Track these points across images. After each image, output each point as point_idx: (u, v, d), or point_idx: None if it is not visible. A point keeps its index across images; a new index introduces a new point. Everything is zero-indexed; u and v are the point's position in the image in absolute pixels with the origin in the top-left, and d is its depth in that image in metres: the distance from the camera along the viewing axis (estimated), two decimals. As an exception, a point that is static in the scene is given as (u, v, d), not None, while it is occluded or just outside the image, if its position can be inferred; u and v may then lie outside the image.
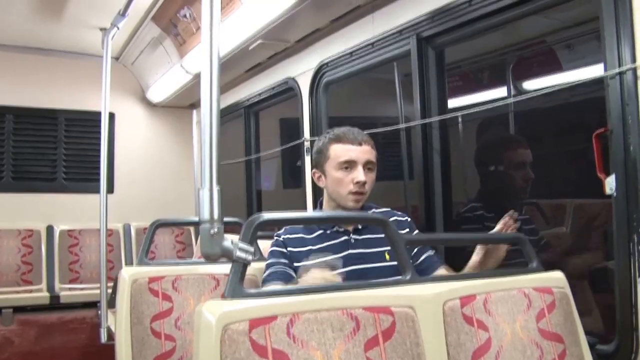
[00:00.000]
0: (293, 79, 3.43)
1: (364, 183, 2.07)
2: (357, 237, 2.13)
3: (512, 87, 3.81)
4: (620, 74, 1.70)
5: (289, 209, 3.71)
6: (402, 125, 2.73)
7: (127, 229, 4.91)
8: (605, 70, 1.75)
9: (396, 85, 3.06)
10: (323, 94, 3.19)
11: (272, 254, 2.16)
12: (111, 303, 3.22)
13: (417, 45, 2.46)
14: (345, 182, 2.09)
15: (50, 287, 4.47)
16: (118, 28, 3.56)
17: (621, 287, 1.72)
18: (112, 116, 4.82)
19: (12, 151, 4.84)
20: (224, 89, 4.34)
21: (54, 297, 4.24)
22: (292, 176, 4.50)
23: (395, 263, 1.93)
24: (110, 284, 3.49)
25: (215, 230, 1.31)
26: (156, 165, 5.26)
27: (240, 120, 4.33)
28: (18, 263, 4.49)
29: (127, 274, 2.17)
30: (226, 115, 4.42)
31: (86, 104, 4.80)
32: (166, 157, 5.28)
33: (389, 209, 2.25)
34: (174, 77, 4.31)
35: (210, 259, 1.33)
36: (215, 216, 1.32)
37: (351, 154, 2.10)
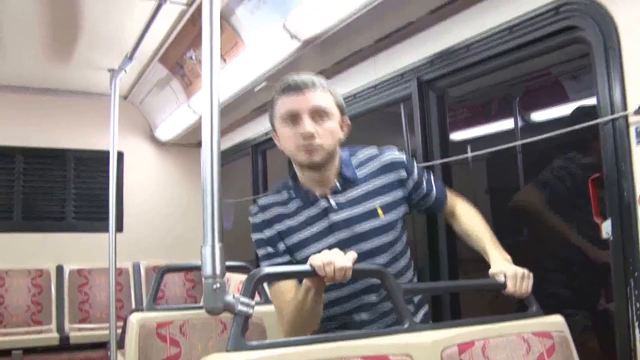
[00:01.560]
0: None
1: (311, 134, 1.81)
2: (339, 198, 1.91)
3: (519, 119, 3.89)
4: (613, 120, 1.78)
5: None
6: None
7: (136, 267, 5.00)
8: (599, 117, 1.83)
9: (403, 126, 3.13)
10: None
11: (258, 244, 1.97)
12: (121, 343, 3.28)
13: (418, 88, 2.55)
14: (293, 137, 1.86)
15: (60, 328, 4.55)
16: (125, 71, 3.70)
17: (620, 331, 1.78)
18: (120, 155, 4.92)
19: (22, 191, 4.99)
20: (231, 127, 4.46)
21: (64, 338, 4.32)
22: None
23: (391, 217, 1.88)
24: (120, 323, 3.55)
25: (218, 285, 1.39)
26: (165, 203, 5.36)
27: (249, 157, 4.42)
28: (28, 303, 4.58)
29: (135, 319, 2.25)
30: (235, 153, 4.52)
31: (95, 143, 4.93)
32: (175, 195, 5.38)
33: (379, 148, 2.02)
34: (182, 116, 4.43)
35: (212, 313, 1.41)
36: (218, 272, 1.40)
37: (293, 104, 1.86)
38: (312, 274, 1.55)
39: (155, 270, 2.60)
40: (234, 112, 4.04)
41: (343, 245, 1.78)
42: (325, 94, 1.87)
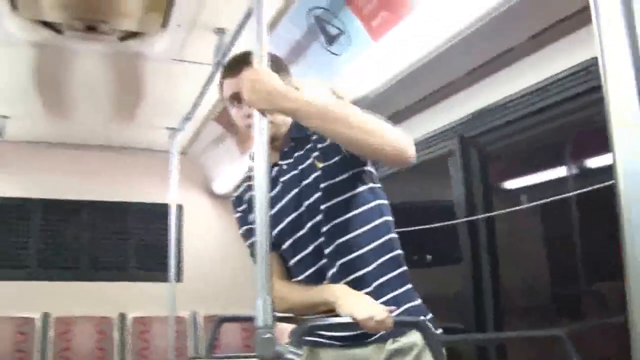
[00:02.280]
0: None
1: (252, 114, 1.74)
2: (287, 161, 1.90)
3: (571, 166, 3.92)
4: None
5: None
6: (433, 225, 2.91)
7: (194, 316, 5.17)
8: None
9: (452, 180, 3.24)
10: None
11: (238, 222, 1.99)
12: (180, 391, 3.44)
13: (460, 145, 2.68)
14: (241, 119, 1.86)
15: (122, 375, 4.75)
16: (184, 129, 3.94)
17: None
18: (179, 208, 5.10)
19: (88, 242, 5.26)
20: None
21: (126, 385, 4.52)
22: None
23: (327, 164, 1.79)
24: (179, 371, 3.72)
25: (269, 335, 1.54)
26: (223, 254, 5.49)
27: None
28: (93, 349, 4.81)
29: (192, 368, 2.40)
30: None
31: (155, 196, 5.16)
32: (234, 246, 5.48)
33: None
34: (238, 171, 4.62)
35: (264, 360, 1.55)
36: (268, 323, 1.55)
37: (233, 86, 1.85)
38: (356, 326, 1.59)
39: (212, 319, 2.74)
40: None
41: (290, 207, 1.83)
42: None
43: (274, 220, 1.83)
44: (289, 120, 1.84)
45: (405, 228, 2.87)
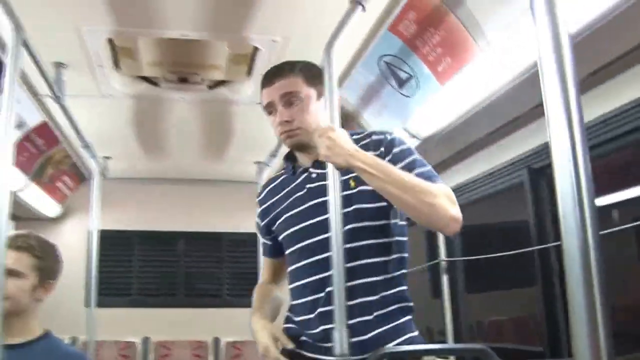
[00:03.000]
0: None
1: (286, 121, 1.94)
2: (318, 170, 1.98)
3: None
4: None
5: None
6: (507, 253, 3.01)
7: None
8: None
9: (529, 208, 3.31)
10: None
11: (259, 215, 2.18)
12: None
13: (529, 176, 2.80)
14: (275, 126, 2.00)
15: (218, 395, 5.05)
16: (269, 165, 4.24)
17: None
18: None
19: (184, 271, 5.61)
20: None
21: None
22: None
23: (363, 188, 1.86)
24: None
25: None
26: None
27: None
28: (190, 373, 5.15)
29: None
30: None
31: (246, 226, 5.43)
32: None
33: (361, 131, 2.07)
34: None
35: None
36: (345, 353, 1.74)
37: (267, 96, 2.00)
38: None
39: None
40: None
41: (315, 211, 1.91)
42: (294, 77, 1.98)
43: (292, 220, 1.99)
44: (312, 124, 1.95)
45: (484, 255, 3.02)
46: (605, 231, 2.51)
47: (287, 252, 2.04)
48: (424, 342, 1.92)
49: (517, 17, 1.98)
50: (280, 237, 2.06)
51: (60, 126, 3.86)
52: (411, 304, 1.92)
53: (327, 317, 1.80)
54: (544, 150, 2.69)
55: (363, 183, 1.82)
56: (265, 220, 2.12)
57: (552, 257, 2.72)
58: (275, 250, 2.16)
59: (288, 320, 2.04)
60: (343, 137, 1.75)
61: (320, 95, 1.99)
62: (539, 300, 2.74)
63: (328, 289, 1.84)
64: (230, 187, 5.51)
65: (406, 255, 1.95)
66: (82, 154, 4.39)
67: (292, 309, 2.03)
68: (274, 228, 2.09)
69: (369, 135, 1.99)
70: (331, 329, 1.74)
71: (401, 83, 2.80)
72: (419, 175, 1.81)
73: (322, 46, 2.06)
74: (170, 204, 5.52)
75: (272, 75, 2.01)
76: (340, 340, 1.75)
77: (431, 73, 2.57)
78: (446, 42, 2.38)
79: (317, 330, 1.89)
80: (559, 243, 2.69)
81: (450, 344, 3.42)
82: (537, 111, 2.61)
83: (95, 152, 4.09)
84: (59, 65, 2.97)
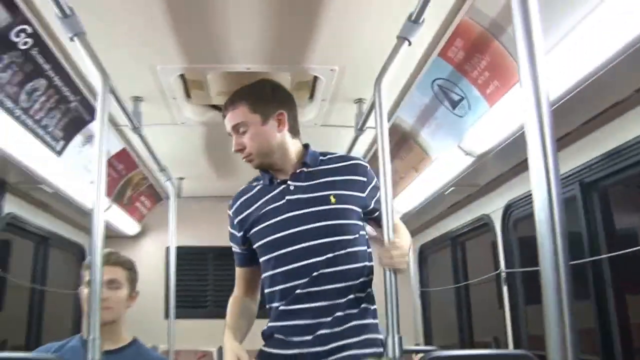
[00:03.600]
0: (488, 215, 3.97)
1: (239, 150, 2.18)
2: (297, 183, 2.16)
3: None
4: None
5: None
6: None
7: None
8: None
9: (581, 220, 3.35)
10: (513, 229, 3.69)
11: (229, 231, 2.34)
12: None
13: (581, 191, 2.90)
14: (235, 146, 2.20)
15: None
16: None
17: None
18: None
19: (213, 284, 5.91)
20: (431, 221, 4.98)
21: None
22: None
23: (342, 206, 2.11)
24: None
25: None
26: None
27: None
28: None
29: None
30: (435, 245, 5.02)
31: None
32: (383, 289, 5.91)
33: (342, 154, 2.34)
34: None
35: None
36: (397, 357, 1.92)
37: (226, 126, 2.23)
38: None
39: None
40: (432, 210, 4.57)
41: (294, 222, 2.09)
42: (240, 108, 2.18)
43: (272, 229, 2.14)
44: (298, 148, 2.24)
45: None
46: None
47: (263, 259, 2.19)
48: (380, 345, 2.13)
49: (554, 44, 2.11)
50: (256, 245, 2.21)
51: (138, 152, 4.20)
52: (375, 306, 2.20)
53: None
54: (596, 165, 2.79)
55: (342, 201, 2.12)
56: (242, 231, 2.25)
57: (605, 269, 2.80)
58: (250, 260, 2.30)
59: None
60: (400, 249, 2.04)
61: (266, 117, 2.17)
62: (594, 311, 2.83)
63: (301, 291, 2.09)
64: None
65: (371, 264, 2.20)
66: (158, 176, 4.71)
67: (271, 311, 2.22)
68: (249, 235, 2.22)
69: (350, 158, 2.29)
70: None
71: (454, 104, 2.95)
72: (377, 202, 2.20)
73: (375, 73, 2.28)
74: (200, 221, 5.76)
75: (225, 107, 2.23)
76: (392, 345, 1.94)
77: (481, 95, 2.71)
78: (493, 66, 2.53)
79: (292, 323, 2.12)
80: (610, 255, 2.80)
81: (494, 350, 3.53)
82: (583, 129, 2.73)
83: (170, 174, 4.39)
84: (136, 99, 3.26)
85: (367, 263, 2.18)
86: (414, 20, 2.13)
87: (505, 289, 3.74)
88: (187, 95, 3.36)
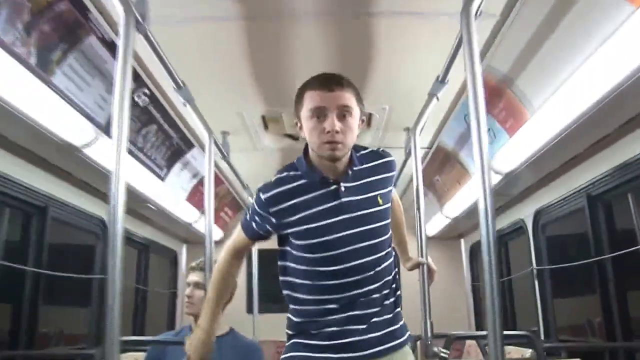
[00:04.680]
0: (522, 219, 4.58)
1: (336, 132, 1.96)
2: (348, 184, 2.08)
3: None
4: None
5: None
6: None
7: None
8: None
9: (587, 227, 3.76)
10: (542, 232, 4.34)
11: (250, 207, 2.20)
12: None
13: (587, 202, 3.50)
14: (318, 132, 2.00)
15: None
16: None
17: None
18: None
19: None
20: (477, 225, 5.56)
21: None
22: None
23: (386, 206, 2.12)
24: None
25: (434, 348, 2.60)
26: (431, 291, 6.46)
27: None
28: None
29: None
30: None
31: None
32: (440, 284, 6.50)
33: (372, 149, 2.24)
34: (438, 220, 5.79)
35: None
36: (430, 336, 2.62)
37: (322, 101, 2.00)
38: None
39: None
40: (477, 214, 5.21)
41: (348, 224, 2.04)
42: (350, 93, 2.03)
43: (325, 230, 2.06)
44: (351, 142, 2.06)
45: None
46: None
47: (308, 255, 2.11)
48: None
49: (549, 94, 2.80)
50: (302, 242, 2.11)
51: (224, 173, 5.06)
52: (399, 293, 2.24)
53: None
54: (600, 181, 3.44)
55: (386, 200, 2.14)
56: (281, 220, 2.12)
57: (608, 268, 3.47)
58: (258, 238, 2.26)
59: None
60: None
61: (361, 114, 2.10)
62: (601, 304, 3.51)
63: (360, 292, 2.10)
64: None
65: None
66: (240, 191, 5.54)
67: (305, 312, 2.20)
68: (289, 231, 2.13)
69: (382, 155, 2.21)
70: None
71: (483, 133, 3.66)
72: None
73: (419, 108, 3.04)
74: None
75: (331, 82, 2.03)
76: (424, 328, 2.61)
77: (502, 127, 3.41)
78: (508, 107, 3.23)
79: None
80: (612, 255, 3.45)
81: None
82: (585, 153, 3.39)
83: (251, 190, 5.22)
84: (224, 133, 4.08)
85: (392, 258, 2.23)
86: (441, 80, 2.85)
87: (536, 283, 4.37)
88: (265, 127, 4.16)
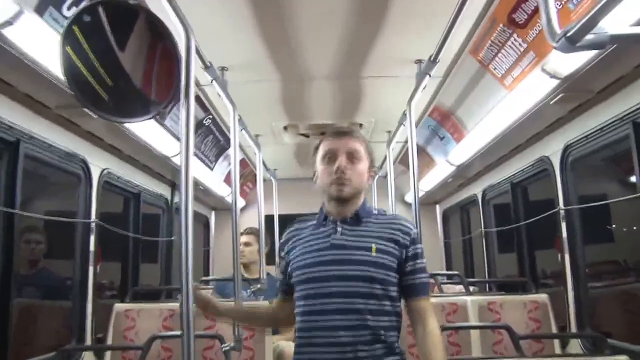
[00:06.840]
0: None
1: (344, 170, 2.09)
2: (345, 226, 2.14)
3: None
4: None
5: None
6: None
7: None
8: None
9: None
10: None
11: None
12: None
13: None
14: (328, 173, 2.12)
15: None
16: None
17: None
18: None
19: None
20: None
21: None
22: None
23: (381, 258, 2.07)
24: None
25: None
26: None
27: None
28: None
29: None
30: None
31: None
32: (423, 239, 7.23)
33: (393, 214, 2.30)
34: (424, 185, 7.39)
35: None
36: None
37: (332, 145, 2.15)
38: None
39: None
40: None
41: (334, 263, 2.07)
42: (360, 143, 2.18)
43: (309, 263, 2.14)
44: (360, 186, 2.17)
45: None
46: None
47: (300, 295, 2.16)
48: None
49: (481, 118, 4.36)
50: (293, 278, 2.20)
51: (252, 160, 6.83)
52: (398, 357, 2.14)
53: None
54: (518, 173, 5.07)
55: (383, 254, 2.10)
56: (288, 258, 2.26)
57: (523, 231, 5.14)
58: (290, 291, 2.28)
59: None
60: None
61: (370, 166, 2.23)
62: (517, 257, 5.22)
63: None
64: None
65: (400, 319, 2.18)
66: (262, 170, 7.20)
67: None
68: (289, 269, 2.24)
69: (399, 220, 2.22)
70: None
71: (440, 139, 5.30)
72: (421, 277, 2.16)
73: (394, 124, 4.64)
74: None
75: (342, 133, 2.21)
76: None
77: (452, 137, 5.05)
78: (453, 127, 4.87)
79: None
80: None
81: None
82: (509, 154, 5.05)
83: (272, 171, 6.98)
84: (257, 135, 5.71)
85: (394, 318, 2.15)
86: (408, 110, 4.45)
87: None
88: (285, 130, 5.79)
